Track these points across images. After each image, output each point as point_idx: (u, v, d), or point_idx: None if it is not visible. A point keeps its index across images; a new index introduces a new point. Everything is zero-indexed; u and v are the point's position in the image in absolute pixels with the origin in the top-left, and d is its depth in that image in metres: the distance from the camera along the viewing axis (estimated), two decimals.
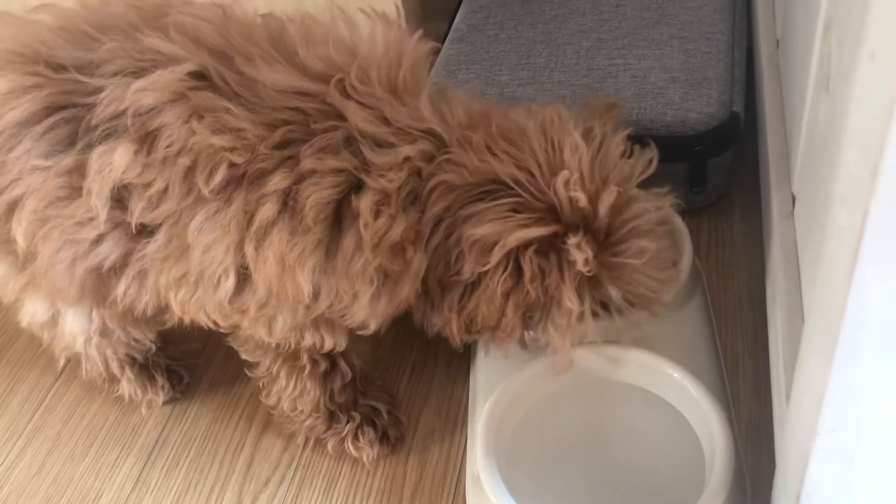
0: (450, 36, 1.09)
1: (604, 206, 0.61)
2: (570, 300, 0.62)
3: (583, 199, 0.61)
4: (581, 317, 0.64)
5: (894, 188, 0.34)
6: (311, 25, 0.67)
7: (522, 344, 0.70)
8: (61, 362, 0.87)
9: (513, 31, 1.06)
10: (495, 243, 0.61)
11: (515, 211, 0.61)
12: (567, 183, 0.61)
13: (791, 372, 0.58)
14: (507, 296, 0.62)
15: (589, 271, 0.62)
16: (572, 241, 0.61)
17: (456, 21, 1.12)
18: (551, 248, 0.61)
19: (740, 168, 0.98)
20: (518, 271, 0.61)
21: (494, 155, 0.62)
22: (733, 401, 0.77)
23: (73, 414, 0.90)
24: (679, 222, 0.82)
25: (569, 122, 0.65)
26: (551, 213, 0.62)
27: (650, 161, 0.66)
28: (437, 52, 0.69)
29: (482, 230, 0.61)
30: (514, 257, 0.61)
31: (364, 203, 0.61)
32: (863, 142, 0.37)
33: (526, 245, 0.61)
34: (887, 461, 0.45)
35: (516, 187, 0.62)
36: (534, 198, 0.62)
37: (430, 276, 0.65)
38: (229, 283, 0.64)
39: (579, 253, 0.61)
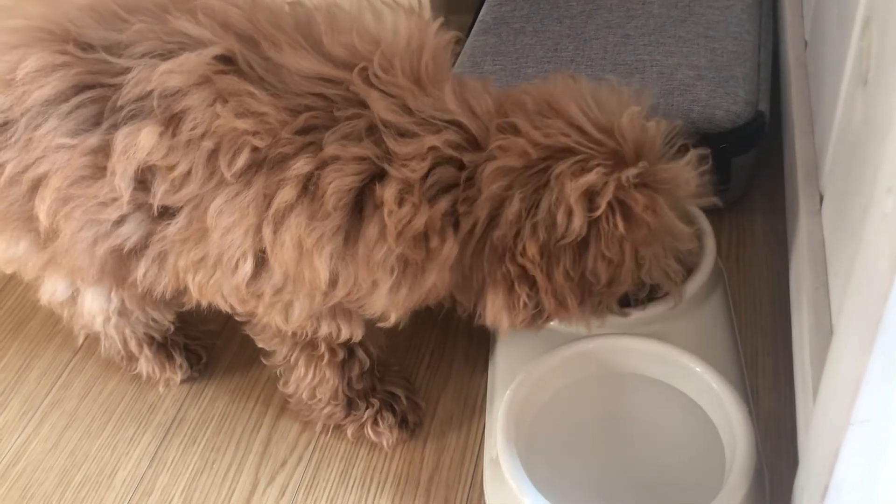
0: (475, 28, 1.10)
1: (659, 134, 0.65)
2: (678, 225, 0.64)
3: (652, 127, 0.63)
4: (692, 239, 0.67)
5: None
6: (336, 14, 0.67)
7: (620, 306, 0.72)
8: (80, 339, 0.88)
9: (539, 25, 1.06)
10: (597, 192, 0.61)
11: (590, 165, 0.62)
12: (633, 117, 0.63)
13: (819, 366, 0.58)
14: (622, 238, 0.62)
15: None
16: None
17: (482, 13, 1.12)
18: (642, 182, 0.62)
19: (763, 168, 0.98)
20: (626, 210, 0.62)
21: (542, 129, 0.63)
22: (753, 396, 0.78)
23: (91, 390, 0.90)
24: (702, 220, 0.82)
25: (583, 80, 0.67)
26: (620, 155, 0.63)
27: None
28: (458, 41, 0.69)
29: (583, 180, 0.61)
30: (618, 199, 0.62)
31: (388, 192, 0.61)
32: None
33: (623, 184, 0.62)
34: None
35: (580, 147, 0.62)
36: (599, 151, 0.62)
37: (501, 262, 0.64)
38: (247, 267, 0.64)
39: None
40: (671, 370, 0.75)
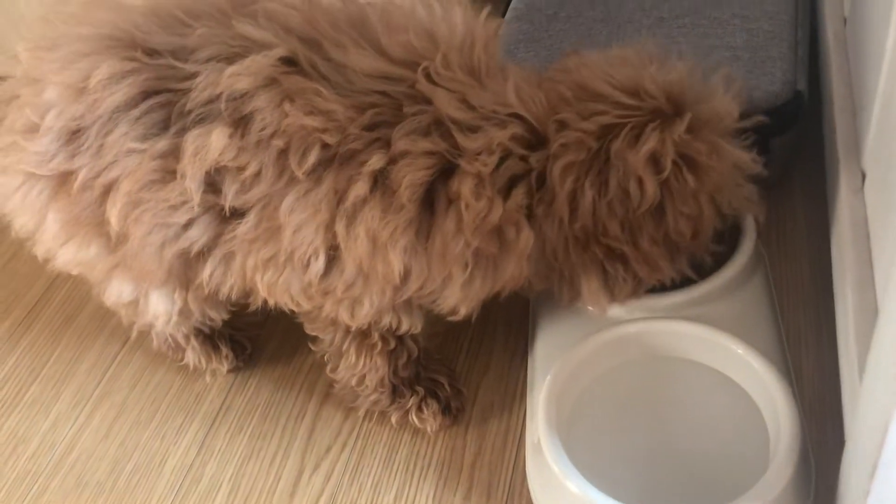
0: (508, 15, 1.10)
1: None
2: (738, 154, 0.66)
3: (676, 72, 0.65)
4: (755, 160, 0.68)
5: None
6: (391, 11, 0.68)
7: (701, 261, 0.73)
8: (134, 334, 0.89)
9: (572, 10, 1.06)
10: (658, 155, 0.62)
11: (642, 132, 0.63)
12: (652, 73, 0.65)
13: (864, 344, 0.58)
14: (695, 191, 0.63)
15: None
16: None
17: (514, 1, 1.12)
18: (693, 130, 0.64)
19: (803, 148, 0.97)
20: (691, 163, 0.63)
21: (587, 117, 0.64)
22: (796, 377, 0.77)
23: (139, 381, 0.92)
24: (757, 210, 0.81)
25: (590, 55, 0.70)
26: (661, 112, 0.64)
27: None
28: (503, 28, 0.70)
29: (644, 148, 0.62)
30: (680, 155, 0.63)
31: (465, 186, 0.62)
32: None
33: (678, 139, 0.63)
34: None
35: (625, 119, 0.63)
36: (642, 116, 0.63)
37: (587, 248, 0.65)
38: (319, 264, 0.65)
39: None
40: (713, 353, 0.75)
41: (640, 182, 0.62)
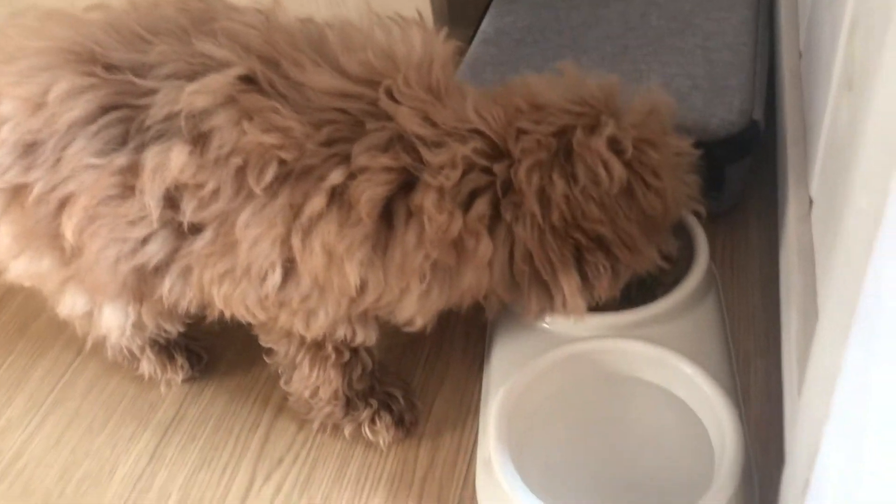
0: (477, 38, 1.11)
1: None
2: (679, 143, 0.72)
3: (611, 78, 0.71)
4: (692, 148, 0.73)
5: None
6: (349, 31, 0.70)
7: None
8: (89, 343, 0.89)
9: (539, 36, 1.08)
10: (618, 138, 0.67)
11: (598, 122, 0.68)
12: (589, 82, 0.70)
13: (804, 366, 0.59)
14: (657, 164, 0.68)
15: None
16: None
17: (483, 24, 1.14)
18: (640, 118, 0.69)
19: (757, 176, 1.00)
20: (649, 141, 0.68)
21: (543, 122, 0.67)
22: (744, 399, 0.78)
23: (93, 389, 0.91)
24: (695, 224, 0.84)
25: (532, 76, 0.73)
26: (608, 111, 0.68)
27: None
28: (461, 52, 0.73)
29: (604, 132, 0.66)
30: (638, 137, 0.67)
31: (428, 200, 0.64)
32: (883, 127, 0.38)
33: (633, 123, 0.68)
34: (894, 446, 0.46)
35: (579, 118, 0.67)
36: (593, 113, 0.68)
37: (567, 237, 0.67)
38: (275, 277, 0.66)
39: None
40: (663, 372, 0.76)
41: (607, 165, 0.66)
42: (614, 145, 0.66)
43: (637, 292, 0.79)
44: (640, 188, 0.68)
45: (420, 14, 0.73)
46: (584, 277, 0.69)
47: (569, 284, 0.69)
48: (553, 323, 0.80)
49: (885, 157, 0.37)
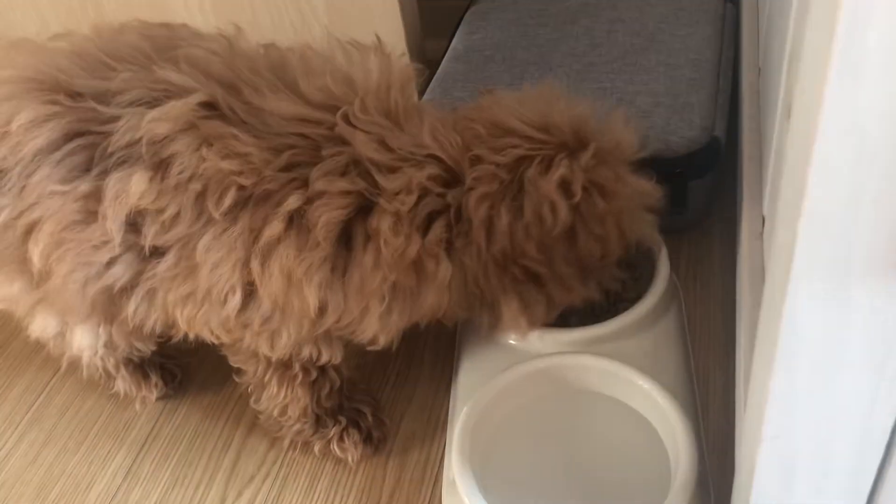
0: (447, 55, 1.13)
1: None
2: (641, 183, 0.71)
3: (580, 108, 0.71)
4: (657, 190, 0.73)
5: (818, 211, 0.37)
6: (309, 56, 0.71)
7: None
8: (64, 364, 0.90)
9: (507, 53, 1.09)
10: (569, 181, 0.66)
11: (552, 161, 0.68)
12: (560, 109, 0.70)
13: (748, 386, 0.61)
14: (604, 213, 0.68)
15: None
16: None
17: (454, 41, 1.16)
18: (598, 158, 0.69)
19: (722, 192, 1.01)
20: (600, 188, 0.68)
21: (499, 150, 0.68)
22: (703, 414, 0.80)
23: (69, 408, 0.93)
24: (658, 240, 0.85)
25: (502, 93, 0.74)
26: (569, 145, 0.68)
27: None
28: (422, 72, 0.74)
29: (555, 174, 0.66)
30: (590, 181, 0.67)
31: (384, 223, 0.65)
32: (795, 164, 0.40)
33: (586, 167, 0.67)
34: (823, 469, 0.48)
35: (535, 152, 0.67)
36: (551, 148, 0.68)
37: (506, 270, 0.68)
38: (236, 299, 0.67)
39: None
40: (622, 387, 0.78)
41: (553, 206, 0.66)
42: (564, 186, 0.66)
43: (600, 308, 0.81)
44: (583, 233, 0.68)
45: (379, 38, 0.74)
46: (524, 303, 0.70)
47: (509, 309, 0.70)
48: (519, 340, 0.82)
49: (794, 198, 0.39)
